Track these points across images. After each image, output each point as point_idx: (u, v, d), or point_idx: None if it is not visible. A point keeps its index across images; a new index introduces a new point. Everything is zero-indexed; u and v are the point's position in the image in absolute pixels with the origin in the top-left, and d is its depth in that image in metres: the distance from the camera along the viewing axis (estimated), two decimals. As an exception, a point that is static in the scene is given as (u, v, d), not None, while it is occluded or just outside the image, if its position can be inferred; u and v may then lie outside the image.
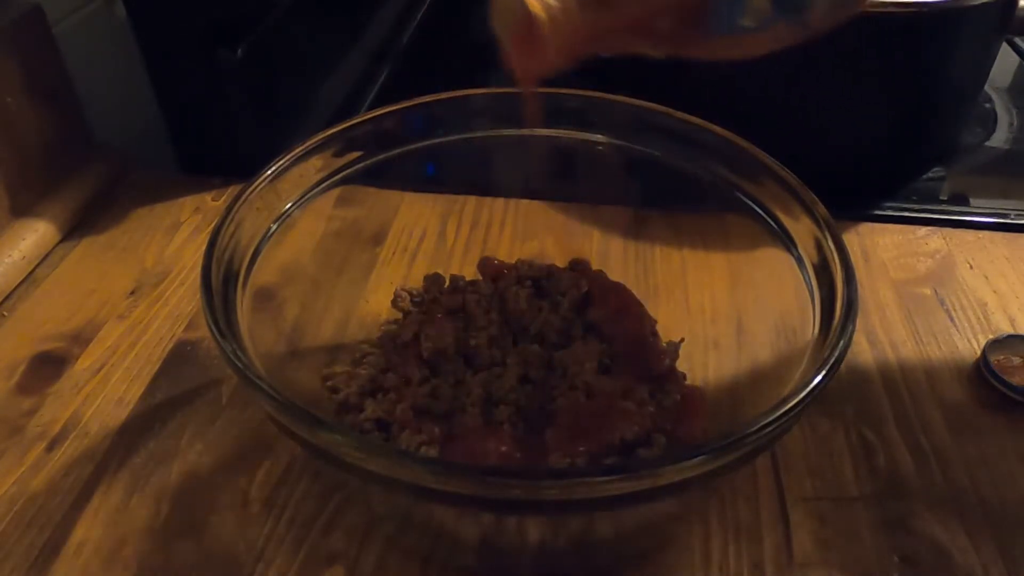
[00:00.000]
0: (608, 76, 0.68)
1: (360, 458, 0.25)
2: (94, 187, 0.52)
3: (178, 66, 0.50)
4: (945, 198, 0.55)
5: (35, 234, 0.47)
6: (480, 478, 0.25)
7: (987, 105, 0.64)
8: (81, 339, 0.43)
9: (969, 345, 0.43)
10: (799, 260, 0.33)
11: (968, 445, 0.38)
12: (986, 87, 0.63)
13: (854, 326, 0.28)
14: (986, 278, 0.47)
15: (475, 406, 0.34)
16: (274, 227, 0.35)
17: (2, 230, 0.46)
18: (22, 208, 0.48)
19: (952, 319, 0.44)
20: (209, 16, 0.49)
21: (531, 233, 0.46)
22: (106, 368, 0.41)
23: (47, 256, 0.48)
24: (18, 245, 0.46)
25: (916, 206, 0.53)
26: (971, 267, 0.48)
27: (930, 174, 0.57)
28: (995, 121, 0.63)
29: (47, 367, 0.41)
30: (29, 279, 0.46)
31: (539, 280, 0.41)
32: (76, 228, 0.50)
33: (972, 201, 0.55)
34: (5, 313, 0.44)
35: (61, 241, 0.49)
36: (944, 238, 0.50)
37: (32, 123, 0.48)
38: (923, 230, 0.51)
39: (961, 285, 0.47)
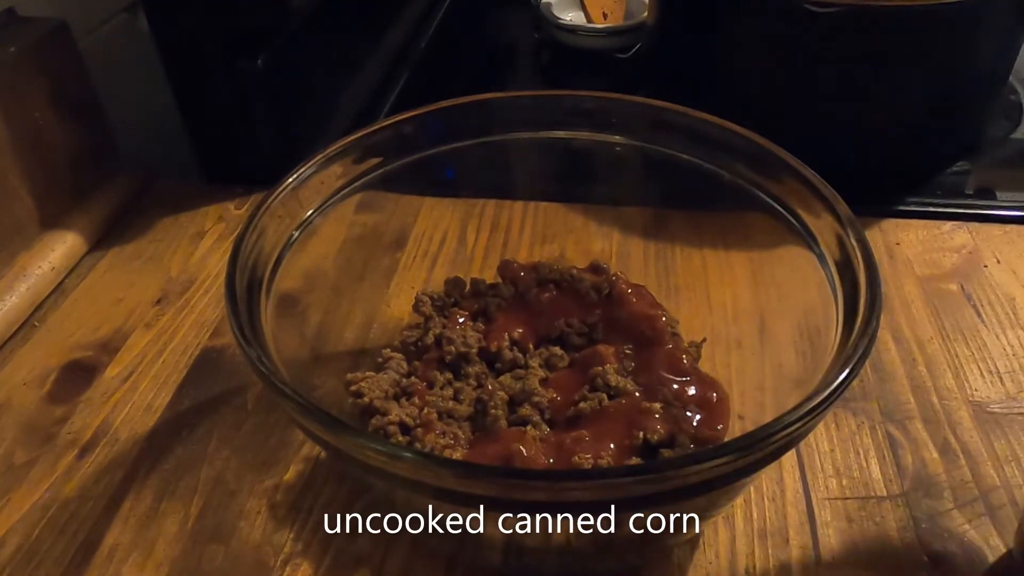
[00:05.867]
0: (626, 76, 0.67)
1: (385, 461, 0.25)
2: (120, 198, 0.53)
3: (200, 77, 0.51)
4: (970, 192, 0.54)
5: (64, 245, 0.48)
6: (504, 480, 0.25)
7: (1012, 97, 0.63)
8: (110, 347, 0.43)
9: (997, 341, 0.42)
10: (821, 258, 0.33)
11: (998, 443, 0.37)
12: (1011, 78, 0.62)
13: (878, 323, 0.28)
14: (1014, 272, 0.46)
15: (498, 408, 0.35)
16: (296, 234, 0.35)
17: (32, 242, 0.47)
18: (51, 220, 0.49)
19: (980, 315, 0.44)
20: (230, 26, 0.50)
21: (551, 235, 0.46)
22: (134, 376, 0.42)
23: (76, 267, 0.49)
24: (48, 257, 0.47)
25: (941, 200, 0.53)
26: (998, 261, 0.47)
27: (955, 168, 0.56)
28: (1020, 113, 0.62)
29: (77, 376, 0.42)
30: (58, 290, 0.47)
31: (560, 282, 0.41)
32: (103, 239, 0.51)
33: (998, 195, 0.54)
34: (36, 323, 0.45)
35: (89, 252, 0.50)
36: (970, 233, 0.50)
37: (59, 137, 0.49)
38: (948, 225, 0.50)
39: (988, 280, 0.46)
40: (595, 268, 0.42)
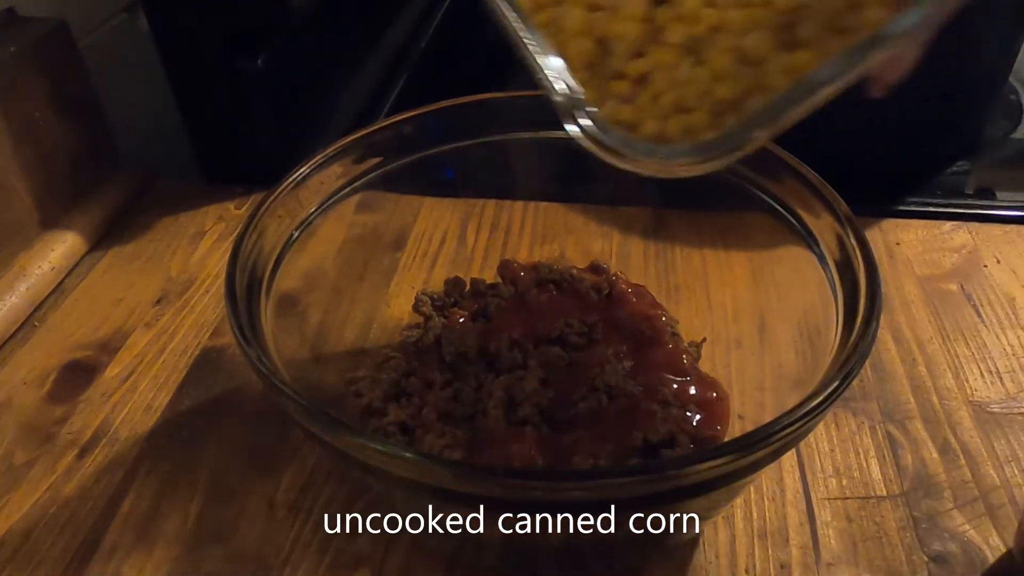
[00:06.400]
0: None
1: (384, 461, 0.25)
2: (120, 198, 0.53)
3: (200, 77, 0.51)
4: (970, 192, 0.54)
5: (64, 245, 0.48)
6: (504, 480, 0.25)
7: (1012, 96, 0.63)
8: (110, 347, 0.43)
9: (997, 341, 0.42)
10: (821, 258, 0.33)
11: (998, 443, 0.37)
12: (1011, 78, 0.62)
13: (878, 323, 0.28)
14: (1014, 272, 0.46)
15: (496, 408, 0.35)
16: (296, 234, 0.35)
17: (32, 242, 0.47)
18: (51, 220, 0.49)
19: (980, 315, 0.44)
20: (229, 26, 0.50)
21: (551, 235, 0.46)
22: (134, 376, 0.42)
23: (75, 267, 0.49)
24: (47, 256, 0.47)
25: (941, 200, 0.53)
26: (998, 261, 0.47)
27: (955, 168, 0.56)
28: (1020, 112, 0.62)
29: (77, 375, 0.42)
30: (58, 289, 0.47)
31: (559, 282, 0.41)
32: (103, 239, 0.51)
33: (998, 194, 0.54)
34: (36, 323, 0.45)
35: (89, 252, 0.50)
36: (970, 232, 0.50)
37: (59, 137, 0.49)
38: (948, 225, 0.50)
39: (988, 280, 0.46)
40: (595, 268, 0.42)
